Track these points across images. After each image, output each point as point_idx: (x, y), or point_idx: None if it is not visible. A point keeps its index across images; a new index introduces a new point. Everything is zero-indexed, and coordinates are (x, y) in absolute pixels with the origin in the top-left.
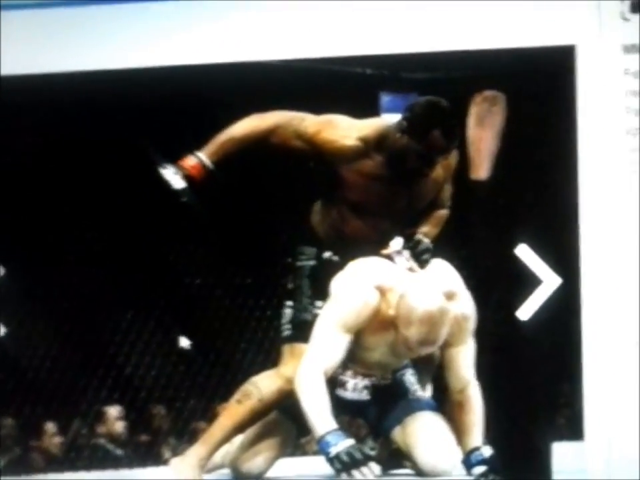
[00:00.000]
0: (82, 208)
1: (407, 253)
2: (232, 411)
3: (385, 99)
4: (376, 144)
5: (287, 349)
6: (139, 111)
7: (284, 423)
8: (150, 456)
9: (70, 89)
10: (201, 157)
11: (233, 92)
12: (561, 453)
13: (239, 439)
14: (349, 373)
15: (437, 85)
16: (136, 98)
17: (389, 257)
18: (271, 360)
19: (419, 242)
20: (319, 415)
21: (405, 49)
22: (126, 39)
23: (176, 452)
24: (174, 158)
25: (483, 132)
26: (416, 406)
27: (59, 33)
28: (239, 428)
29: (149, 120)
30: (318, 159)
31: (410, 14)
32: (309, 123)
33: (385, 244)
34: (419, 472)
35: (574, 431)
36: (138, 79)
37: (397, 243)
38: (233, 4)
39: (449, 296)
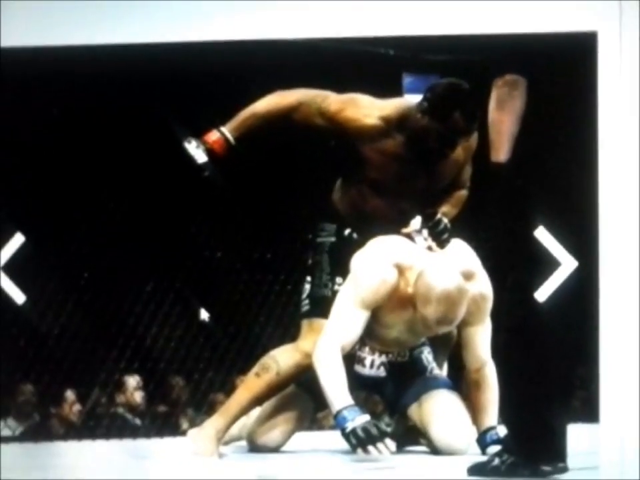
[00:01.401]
0: (104, 179)
1: (426, 232)
2: (250, 384)
3: (407, 79)
4: (397, 124)
5: (305, 323)
6: (163, 86)
7: (301, 397)
8: (168, 426)
9: (96, 63)
10: (224, 132)
11: (258, 69)
12: (576, 434)
13: (256, 412)
14: (367, 349)
15: (459, 67)
16: (161, 73)
17: (409, 236)
18: (289, 334)
19: (438, 222)
20: (336, 390)
21: (428, 31)
22: (153, 14)
23: (194, 423)
24: (197, 132)
25: (503, 115)
26: (433, 384)
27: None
28: (257, 401)
29: (174, 94)
30: (339, 137)
31: None
32: (332, 101)
33: (404, 223)
34: (434, 449)
35: (589, 413)
36: (164, 54)
37: (416, 222)
38: None
39: (467, 276)
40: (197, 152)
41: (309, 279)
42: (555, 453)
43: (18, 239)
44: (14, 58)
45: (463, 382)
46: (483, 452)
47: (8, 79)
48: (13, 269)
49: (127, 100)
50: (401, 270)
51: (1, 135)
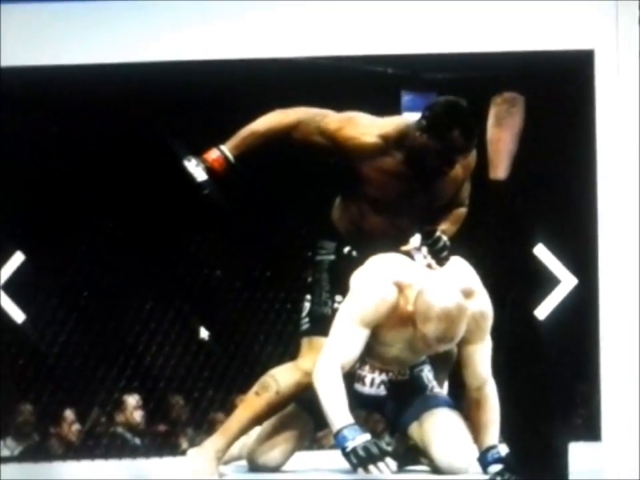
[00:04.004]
0: (103, 198)
1: (425, 250)
2: (250, 403)
3: (406, 97)
4: (396, 142)
5: (305, 342)
6: (163, 104)
7: (301, 416)
8: (167, 446)
9: (95, 81)
10: (224, 151)
11: (257, 87)
12: (578, 453)
13: (256, 431)
14: (367, 367)
15: (457, 85)
16: (160, 91)
17: (408, 254)
18: (289, 353)
19: (437, 239)
20: (336, 409)
21: (426, 50)
22: (152, 31)
23: (193, 443)
24: (197, 151)
25: (502, 133)
26: (433, 402)
27: (71, 25)
28: (257, 420)
29: (173, 113)
30: (339, 155)
31: (431, 15)
32: (331, 119)
33: (403, 240)
34: (435, 469)
35: (591, 431)
36: (163, 73)
37: (415, 239)
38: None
39: (467, 293)
40: (196, 170)
41: (308, 297)
42: (557, 472)
43: (18, 258)
44: (13, 77)
45: (463, 400)
46: (485, 471)
47: (7, 97)
48: (13, 287)
49: (126, 119)
50: (400, 288)
51: (1, 154)
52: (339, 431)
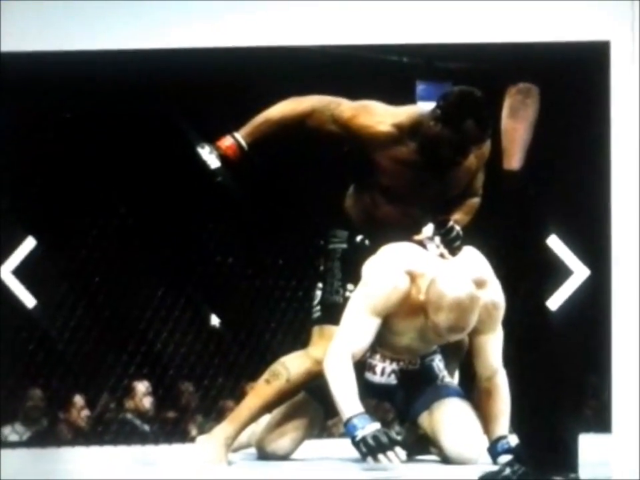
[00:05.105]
0: (115, 184)
1: (438, 240)
2: (260, 391)
3: (420, 87)
4: (410, 131)
5: (316, 330)
6: (176, 91)
7: (311, 404)
8: (176, 433)
9: (112, 67)
10: (237, 138)
11: (272, 75)
12: (588, 444)
13: (265, 419)
14: (377, 357)
15: (471, 75)
16: (174, 78)
17: (421, 243)
18: (300, 341)
19: (450, 229)
20: (347, 397)
21: (442, 39)
22: (164, 18)
23: (203, 430)
24: (211, 138)
25: (516, 123)
26: (444, 392)
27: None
28: (267, 408)
29: (187, 100)
30: (352, 144)
31: (446, 4)
32: (345, 107)
33: (416, 230)
34: (445, 458)
35: (601, 423)
36: (177, 60)
37: (428, 229)
38: None
39: (479, 283)
40: (210, 157)
41: (320, 285)
42: (567, 463)
43: (29, 243)
44: (28, 62)
45: (474, 390)
46: (494, 461)
47: (25, 82)
48: (24, 272)
49: (140, 105)
50: (412, 277)
51: (12, 140)
52: (348, 420)
